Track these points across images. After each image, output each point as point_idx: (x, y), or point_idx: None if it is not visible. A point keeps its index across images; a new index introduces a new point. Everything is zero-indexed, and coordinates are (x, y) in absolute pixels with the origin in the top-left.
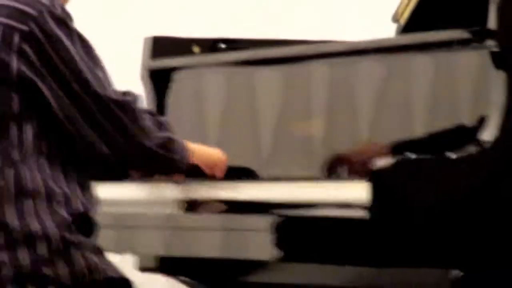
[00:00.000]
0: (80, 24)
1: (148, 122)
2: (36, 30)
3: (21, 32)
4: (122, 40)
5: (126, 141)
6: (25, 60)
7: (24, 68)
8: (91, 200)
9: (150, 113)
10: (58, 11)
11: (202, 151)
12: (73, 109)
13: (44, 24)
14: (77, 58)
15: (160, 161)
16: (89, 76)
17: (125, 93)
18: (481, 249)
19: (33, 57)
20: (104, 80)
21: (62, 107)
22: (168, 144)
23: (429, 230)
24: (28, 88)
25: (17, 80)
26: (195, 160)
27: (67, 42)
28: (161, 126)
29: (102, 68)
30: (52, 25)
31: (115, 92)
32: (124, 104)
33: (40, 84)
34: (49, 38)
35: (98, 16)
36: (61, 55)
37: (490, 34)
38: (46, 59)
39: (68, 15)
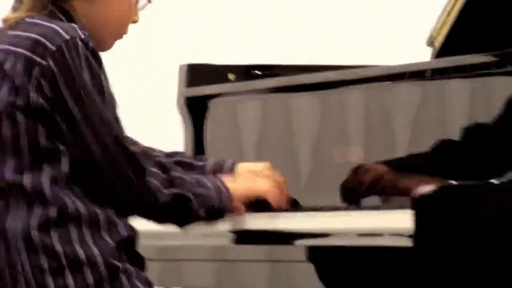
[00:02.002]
0: (116, 52)
1: (154, 180)
2: (54, 67)
3: (40, 66)
4: (158, 68)
5: (130, 196)
6: (42, 94)
7: (42, 101)
8: (133, 227)
9: (162, 167)
10: (78, 46)
11: (244, 189)
12: (80, 152)
13: (61, 61)
14: (88, 101)
15: (175, 218)
16: (97, 122)
17: (134, 143)
18: None
19: (48, 92)
20: (114, 124)
21: (73, 145)
22: (180, 201)
23: (474, 257)
24: (49, 120)
25: (40, 112)
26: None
27: (80, 82)
28: (171, 183)
29: (113, 110)
30: (69, 61)
31: (124, 141)
32: (129, 155)
33: (56, 117)
34: (64, 76)
35: (134, 44)
36: (75, 96)
37: None
38: (60, 98)
39: (89, 50)
